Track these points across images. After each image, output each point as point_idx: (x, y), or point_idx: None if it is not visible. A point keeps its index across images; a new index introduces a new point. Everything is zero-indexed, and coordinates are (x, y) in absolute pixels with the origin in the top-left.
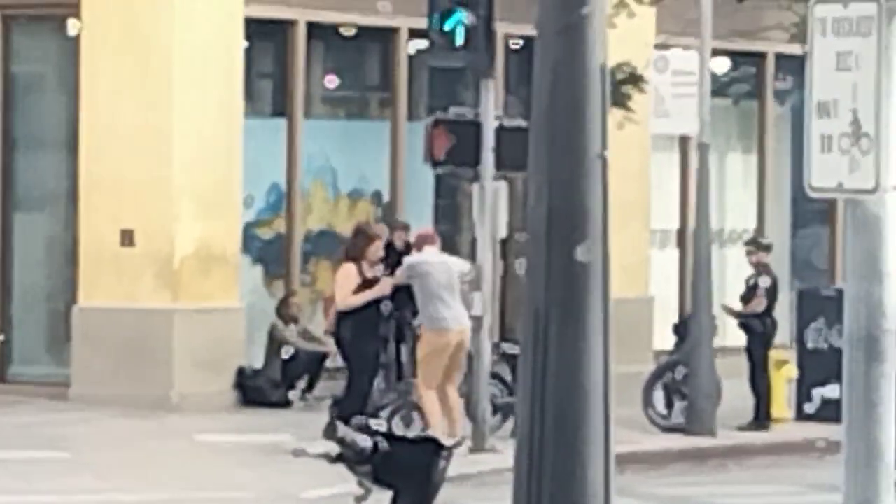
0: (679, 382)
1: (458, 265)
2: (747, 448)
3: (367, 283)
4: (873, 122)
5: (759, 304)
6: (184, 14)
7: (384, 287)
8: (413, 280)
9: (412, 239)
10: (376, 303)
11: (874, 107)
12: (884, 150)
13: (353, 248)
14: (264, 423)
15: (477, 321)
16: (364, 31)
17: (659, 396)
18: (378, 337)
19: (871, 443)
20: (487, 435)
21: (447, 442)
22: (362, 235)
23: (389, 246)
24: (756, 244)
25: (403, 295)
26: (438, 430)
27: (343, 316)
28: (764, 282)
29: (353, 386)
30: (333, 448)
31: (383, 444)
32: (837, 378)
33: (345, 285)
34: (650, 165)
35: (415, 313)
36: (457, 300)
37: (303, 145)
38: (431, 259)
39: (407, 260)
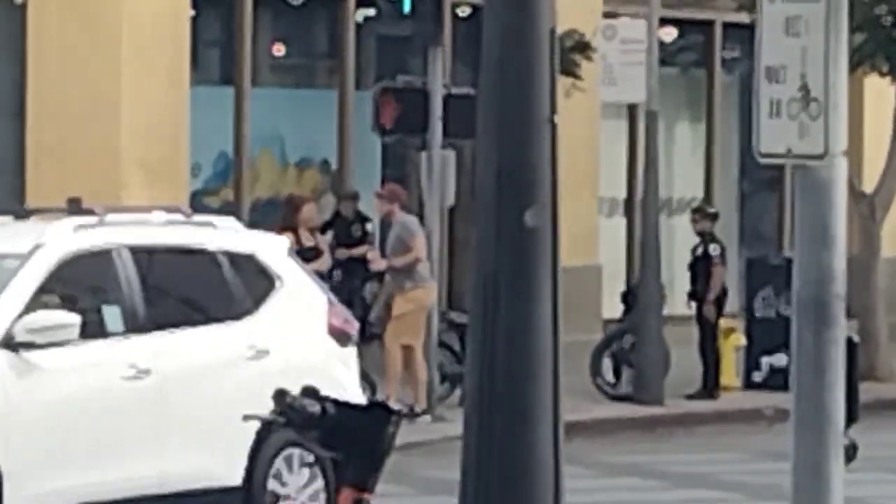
0: (627, 351)
1: None
2: (696, 416)
3: (305, 252)
4: (822, 88)
5: (719, 275)
6: None
7: (323, 263)
8: (413, 238)
9: (392, 198)
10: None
11: (823, 72)
12: (832, 116)
13: (284, 218)
14: None
15: None
16: None
17: (607, 365)
18: None
19: (820, 407)
20: (436, 404)
21: (396, 407)
22: (288, 203)
23: (338, 215)
24: (701, 212)
25: (354, 264)
26: (396, 386)
27: None
28: (714, 250)
29: None
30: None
31: (331, 409)
32: (785, 346)
33: None
34: (598, 134)
35: (363, 281)
36: None
37: (250, 113)
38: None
39: (408, 218)
